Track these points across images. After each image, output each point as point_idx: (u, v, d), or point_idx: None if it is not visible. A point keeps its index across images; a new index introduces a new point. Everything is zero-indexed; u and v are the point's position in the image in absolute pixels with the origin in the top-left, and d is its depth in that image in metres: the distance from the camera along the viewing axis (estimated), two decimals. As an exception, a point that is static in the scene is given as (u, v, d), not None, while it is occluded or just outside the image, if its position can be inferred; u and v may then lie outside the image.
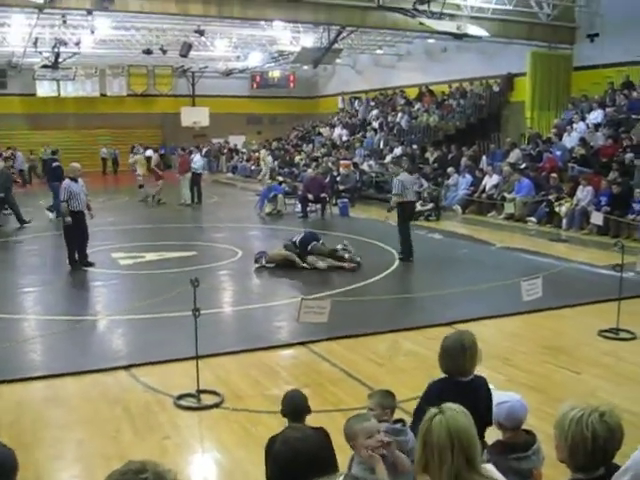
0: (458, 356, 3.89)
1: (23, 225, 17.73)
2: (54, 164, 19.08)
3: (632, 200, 15.15)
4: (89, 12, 19.03)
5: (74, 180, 12.10)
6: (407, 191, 12.77)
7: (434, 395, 3.96)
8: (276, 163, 30.75)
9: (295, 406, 4.03)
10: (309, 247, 12.55)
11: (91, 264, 12.37)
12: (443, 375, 3.98)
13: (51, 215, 18.59)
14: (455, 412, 2.64)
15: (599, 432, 2.57)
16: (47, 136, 35.55)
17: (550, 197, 15.90)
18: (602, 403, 2.72)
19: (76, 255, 12.26)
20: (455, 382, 3.86)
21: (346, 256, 12.45)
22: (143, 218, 19.64)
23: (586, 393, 6.39)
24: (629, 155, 16.63)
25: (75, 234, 12.16)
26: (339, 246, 12.84)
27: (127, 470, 2.06)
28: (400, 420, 3.85)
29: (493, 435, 3.75)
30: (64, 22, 23.30)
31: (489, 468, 2.74)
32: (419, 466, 2.64)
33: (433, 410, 2.66)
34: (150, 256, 13.43)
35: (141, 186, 23.61)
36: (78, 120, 36.51)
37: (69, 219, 11.92)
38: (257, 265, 12.36)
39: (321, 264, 12.29)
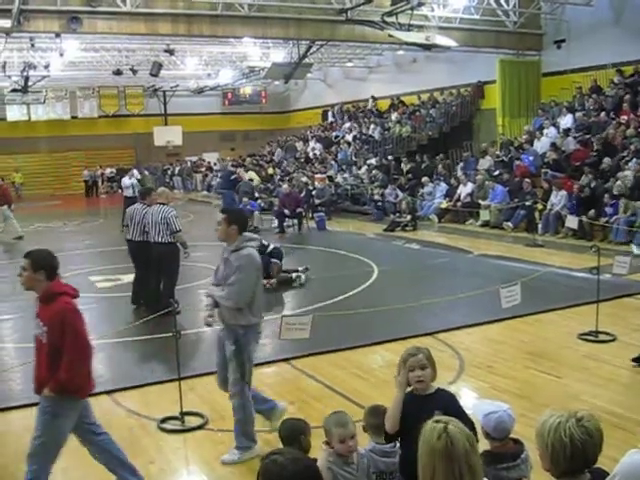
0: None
1: None
2: (232, 176, 23.07)
3: (605, 203, 15.30)
4: (57, 35, 18.99)
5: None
6: None
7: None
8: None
9: (295, 438, 3.90)
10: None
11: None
12: None
13: None
14: (454, 421, 2.58)
15: (577, 437, 2.57)
16: (18, 160, 35.29)
17: (527, 203, 15.99)
18: (580, 408, 2.73)
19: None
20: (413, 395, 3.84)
21: (293, 275, 12.14)
22: (119, 240, 19.44)
23: (569, 397, 6.43)
24: (606, 159, 16.67)
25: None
26: (300, 268, 12.46)
27: None
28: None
29: (481, 445, 3.73)
30: (32, 45, 23.23)
31: None
32: None
33: (437, 425, 2.53)
34: (128, 278, 13.23)
35: None
36: (49, 143, 36.25)
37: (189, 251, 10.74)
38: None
39: None
